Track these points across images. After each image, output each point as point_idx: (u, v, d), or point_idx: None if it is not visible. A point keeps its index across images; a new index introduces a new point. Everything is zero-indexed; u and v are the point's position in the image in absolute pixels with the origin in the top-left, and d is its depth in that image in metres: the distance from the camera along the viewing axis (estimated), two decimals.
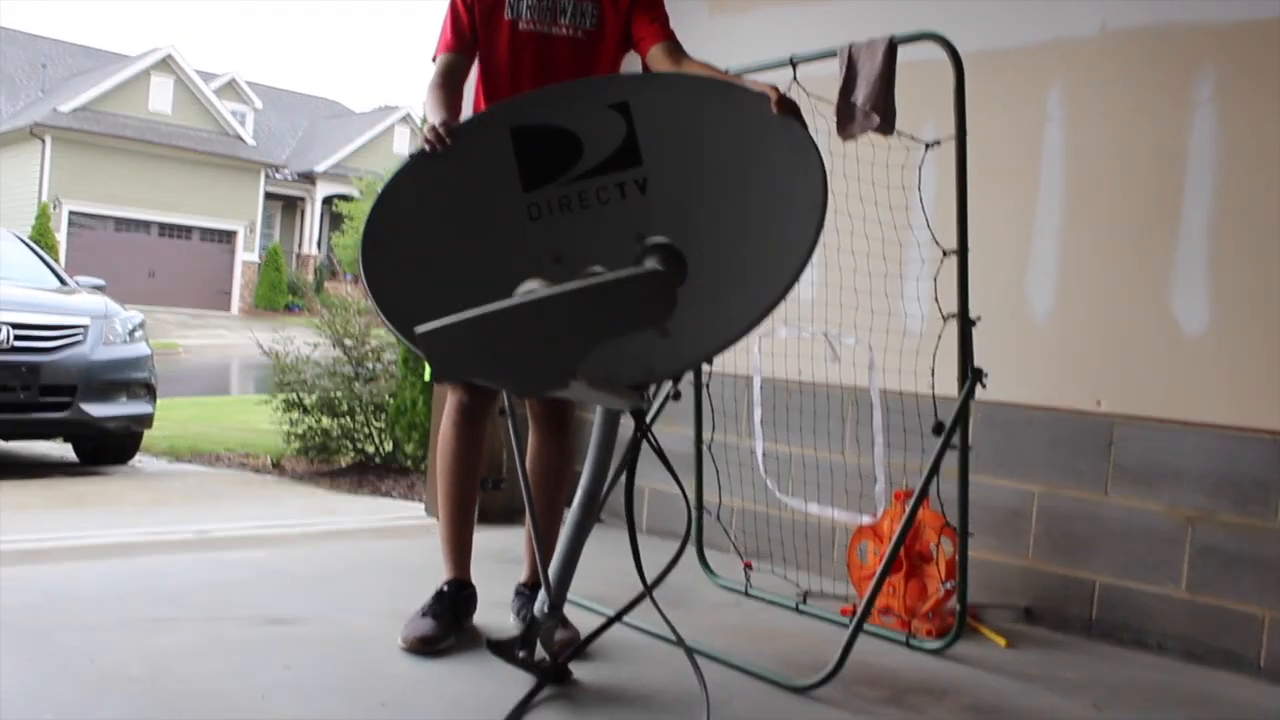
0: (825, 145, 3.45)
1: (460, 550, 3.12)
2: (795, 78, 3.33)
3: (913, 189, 3.29)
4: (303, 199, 36.53)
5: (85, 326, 7.16)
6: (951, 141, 3.07)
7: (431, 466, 4.94)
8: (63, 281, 8.16)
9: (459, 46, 3.00)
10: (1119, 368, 3.50)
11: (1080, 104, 3.62)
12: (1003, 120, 3.70)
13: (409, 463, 7.27)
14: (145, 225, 31.22)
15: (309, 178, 36.07)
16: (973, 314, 3.09)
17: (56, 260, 16.00)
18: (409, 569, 3.78)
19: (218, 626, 3.02)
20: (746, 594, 3.75)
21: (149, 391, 7.48)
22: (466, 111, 3.01)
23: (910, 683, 2.95)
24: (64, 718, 2.33)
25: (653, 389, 2.70)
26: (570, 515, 2.66)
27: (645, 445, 2.58)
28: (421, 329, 1.72)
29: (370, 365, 7.64)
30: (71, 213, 29.51)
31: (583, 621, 3.04)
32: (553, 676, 2.68)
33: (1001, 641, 3.36)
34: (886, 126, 3.18)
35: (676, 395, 3.78)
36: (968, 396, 3.07)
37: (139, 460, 7.91)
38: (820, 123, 3.34)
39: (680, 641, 2.60)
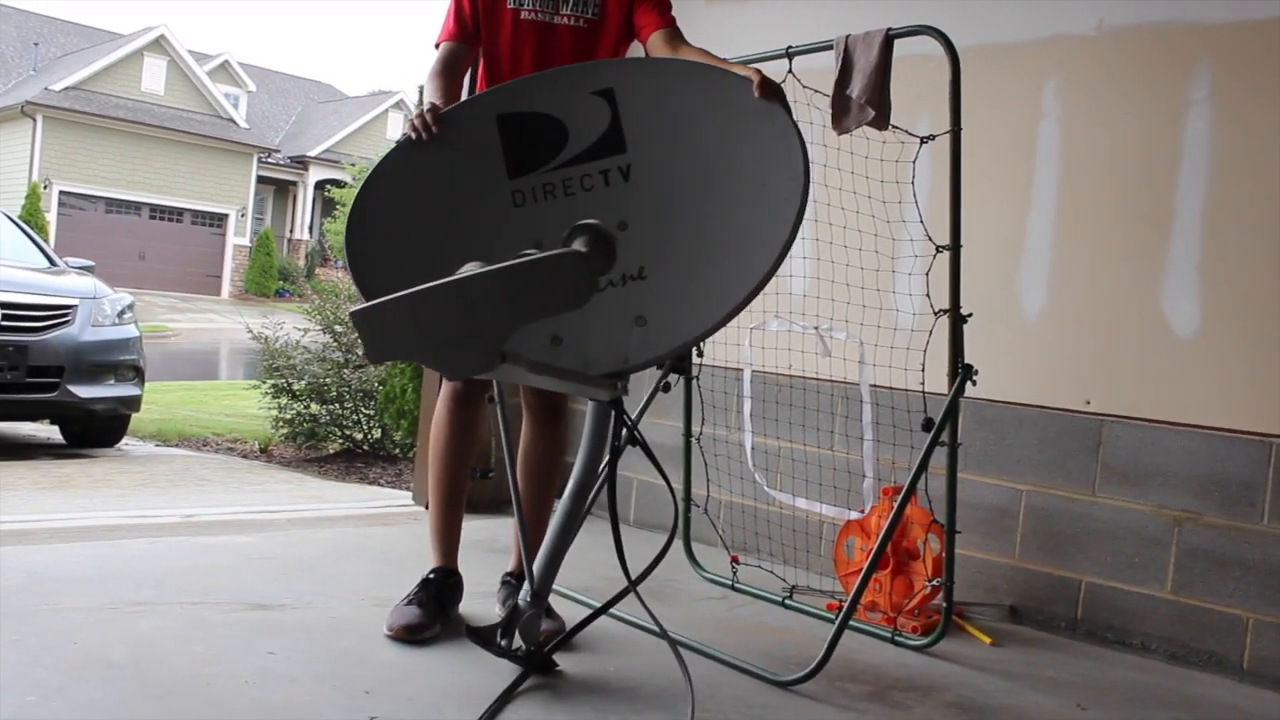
0: (820, 138, 3.46)
1: (448, 538, 3.11)
2: (791, 69, 3.33)
3: (906, 183, 3.28)
4: (295, 183, 36.41)
5: (74, 307, 7.13)
6: (946, 136, 3.06)
7: (420, 454, 4.94)
8: (52, 262, 8.13)
9: (460, 35, 3.01)
10: (1109, 367, 3.50)
11: (1075, 101, 3.62)
12: (998, 116, 3.70)
13: (397, 450, 7.27)
14: (136, 207, 31.08)
15: (302, 162, 35.94)
16: (964, 310, 3.09)
17: (46, 241, 15.90)
18: (395, 556, 3.77)
19: (202, 611, 3.00)
20: (733, 588, 3.75)
21: (137, 374, 7.46)
22: None
23: (895, 679, 2.95)
24: (46, 699, 2.32)
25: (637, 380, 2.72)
26: (560, 506, 2.66)
27: (637, 437, 2.58)
28: (354, 309, 1.73)
29: (360, 352, 7.62)
30: (62, 193, 29.36)
31: (569, 612, 3.03)
32: (537, 666, 2.67)
33: (987, 640, 3.36)
34: (881, 120, 3.17)
35: (666, 388, 3.79)
36: (957, 393, 3.07)
37: (126, 443, 7.89)
38: (815, 115, 3.34)
39: (665, 634, 2.60)
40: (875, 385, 3.66)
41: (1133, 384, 3.44)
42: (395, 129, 35.65)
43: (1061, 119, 3.63)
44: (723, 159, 2.52)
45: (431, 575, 3.06)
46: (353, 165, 31.59)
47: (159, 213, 31.57)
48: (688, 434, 3.94)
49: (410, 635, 2.87)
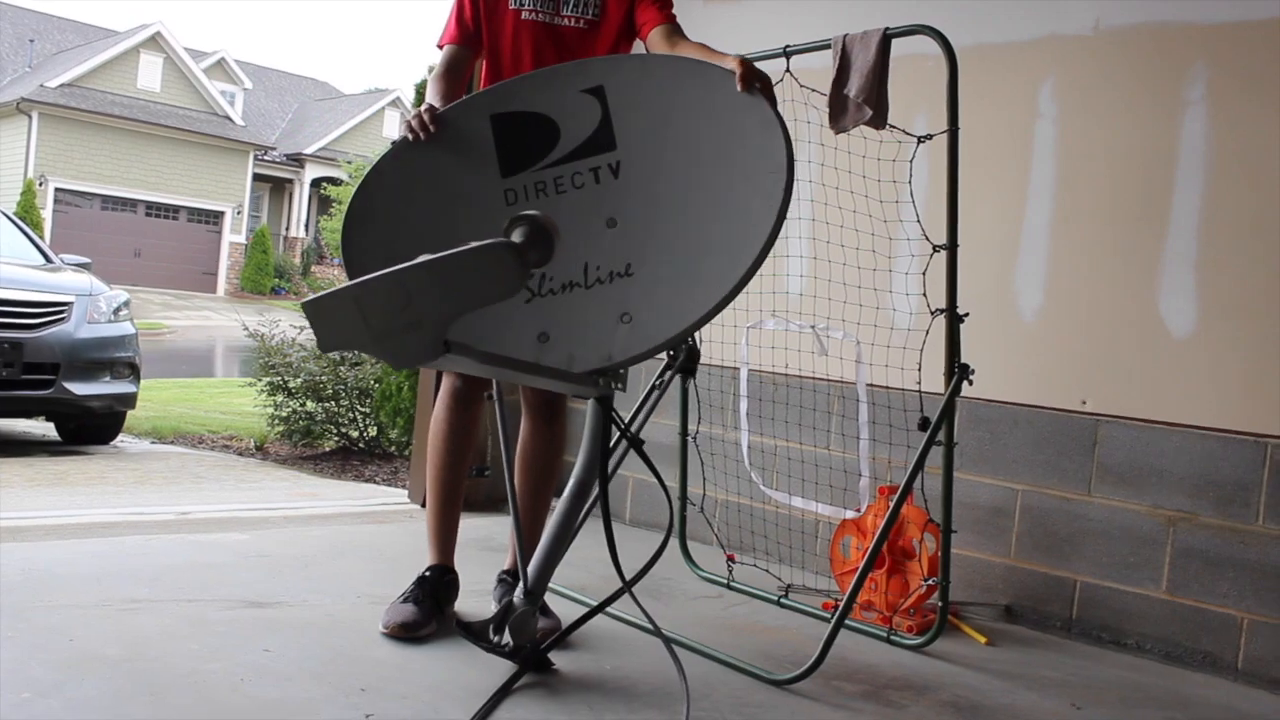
0: (817, 137, 3.47)
1: (445, 536, 3.11)
2: (789, 68, 3.33)
3: (903, 183, 3.28)
4: (291, 181, 36.36)
5: (69, 304, 7.11)
6: (943, 136, 3.07)
7: (417, 452, 4.93)
8: (48, 259, 8.11)
9: (461, 38, 3.04)
10: (1105, 367, 3.50)
11: (1072, 101, 3.62)
12: (995, 116, 3.70)
13: (393, 448, 7.26)
14: (132, 204, 31.04)
15: (298, 160, 35.90)
16: (961, 310, 3.09)
17: (42, 238, 15.84)
18: (391, 554, 3.77)
19: (197, 608, 3.00)
20: (729, 586, 3.75)
21: (133, 371, 7.44)
22: None
23: (890, 678, 2.95)
24: (41, 696, 2.31)
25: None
26: (559, 506, 2.66)
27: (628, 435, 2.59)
28: (304, 301, 1.76)
29: (355, 350, 7.60)
30: (58, 190, 29.31)
31: (565, 611, 3.03)
32: (533, 664, 2.67)
33: (982, 639, 3.37)
34: (878, 120, 3.17)
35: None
36: (954, 392, 3.07)
37: (121, 440, 7.88)
38: (812, 114, 3.34)
39: (659, 633, 2.60)
40: (872, 384, 3.67)
41: (1128, 384, 3.45)
42: (392, 127, 35.64)
43: (1058, 119, 3.63)
44: (709, 154, 2.52)
45: (428, 573, 3.06)
46: (349, 163, 31.57)
47: (155, 210, 31.51)
48: (684, 433, 3.94)
49: (406, 633, 2.87)
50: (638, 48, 3.04)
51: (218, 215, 32.76)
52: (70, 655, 2.56)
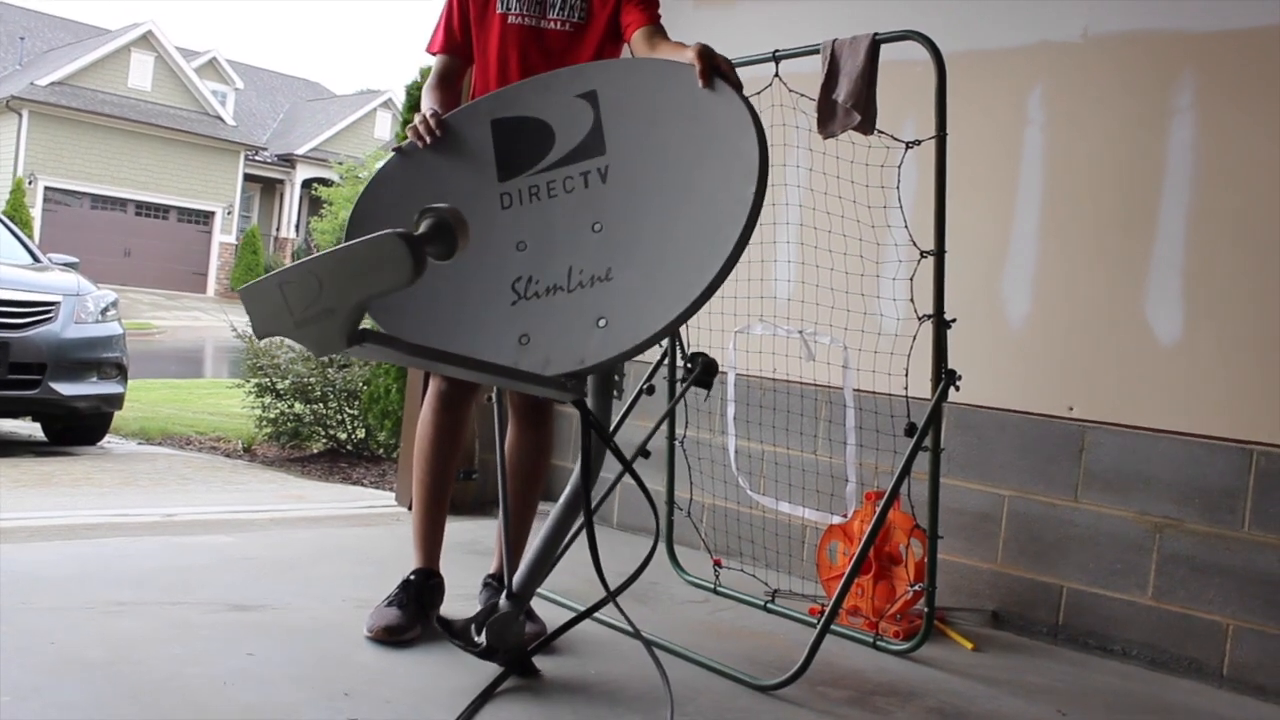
0: (805, 142, 3.47)
1: (431, 539, 3.10)
2: (778, 73, 3.33)
3: (892, 188, 3.28)
4: (282, 181, 36.29)
5: (57, 304, 7.08)
6: (931, 142, 3.06)
7: (404, 455, 4.92)
8: (35, 258, 8.07)
9: (448, 45, 3.06)
10: (1092, 374, 3.51)
11: (1061, 108, 3.63)
12: (983, 122, 3.71)
13: (381, 451, 7.24)
14: (122, 203, 30.95)
15: (289, 160, 35.83)
16: (949, 315, 3.09)
17: (31, 236, 15.75)
18: (377, 557, 3.76)
19: (181, 611, 2.99)
20: (715, 591, 3.74)
21: (120, 372, 7.41)
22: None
23: (876, 684, 2.95)
24: (21, 699, 2.29)
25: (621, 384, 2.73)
26: (553, 513, 2.66)
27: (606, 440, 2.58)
28: (241, 288, 1.83)
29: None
30: (47, 188, 29.21)
31: (550, 615, 3.02)
32: (517, 668, 2.67)
33: (968, 645, 3.37)
34: (867, 125, 3.17)
35: (650, 390, 3.79)
36: (940, 398, 3.07)
37: (108, 441, 7.85)
38: (801, 119, 3.34)
39: (643, 639, 2.59)
40: (859, 390, 3.66)
41: (1115, 390, 3.45)
42: (383, 128, 35.59)
43: (1046, 126, 3.64)
44: (690, 157, 2.51)
45: (412, 576, 3.05)
46: (340, 164, 31.52)
47: (145, 209, 31.43)
48: (671, 437, 3.94)
49: (390, 636, 2.86)
50: (627, 50, 3.04)
51: (208, 215, 32.68)
52: (51, 658, 2.54)
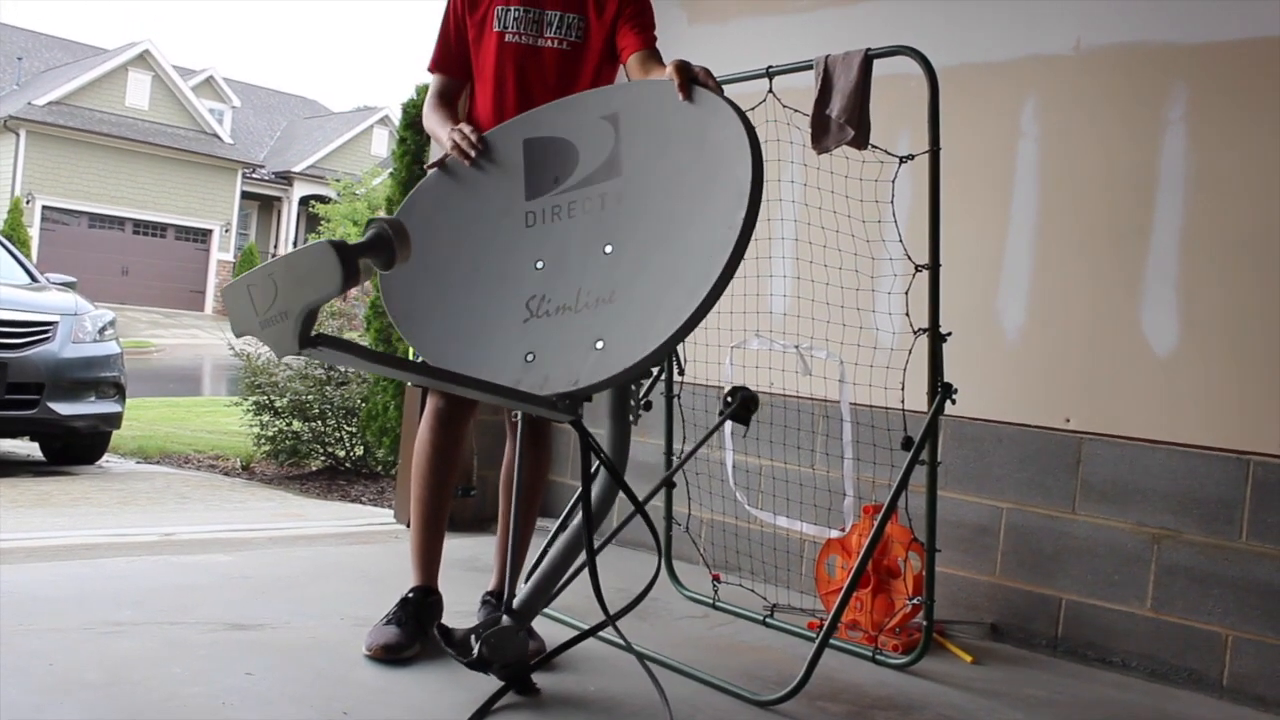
0: (800, 157, 3.48)
1: (429, 557, 3.10)
2: (772, 89, 3.35)
3: (886, 203, 3.29)
4: (279, 199, 36.34)
5: (54, 324, 7.09)
6: (925, 156, 3.08)
7: (402, 472, 4.92)
8: (33, 278, 8.08)
9: (446, 66, 3.10)
10: (1088, 385, 3.51)
11: (1054, 120, 3.64)
12: (977, 135, 3.72)
13: (379, 468, 7.24)
14: (120, 222, 30.98)
15: (286, 178, 35.89)
16: (944, 329, 3.10)
17: (29, 256, 15.75)
18: (375, 575, 3.76)
19: (179, 631, 2.98)
20: (714, 606, 3.74)
21: (118, 391, 7.42)
22: None
23: (875, 698, 2.94)
24: None
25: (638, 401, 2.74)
26: (564, 536, 2.68)
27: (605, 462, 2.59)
28: (225, 286, 1.89)
29: (342, 369, 7.60)
30: (45, 208, 29.25)
31: (550, 632, 3.02)
32: (516, 685, 2.66)
33: (967, 658, 3.37)
34: (861, 140, 3.19)
35: (647, 405, 3.79)
36: (937, 412, 3.07)
37: (107, 460, 7.84)
38: (795, 134, 3.36)
39: (640, 658, 2.58)
40: (855, 403, 3.67)
41: (1112, 402, 3.46)
42: (380, 144, 35.65)
43: (1040, 138, 3.65)
44: (694, 180, 2.52)
45: (411, 594, 3.04)
46: (337, 181, 31.54)
47: (142, 228, 31.46)
48: (669, 452, 3.94)
49: (388, 655, 2.86)
50: (623, 73, 3.06)
51: (205, 233, 32.72)
52: (50, 679, 2.54)
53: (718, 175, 2.42)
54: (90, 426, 7.30)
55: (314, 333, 1.87)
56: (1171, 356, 3.35)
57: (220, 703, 2.48)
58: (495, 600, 3.14)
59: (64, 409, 6.97)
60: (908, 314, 3.12)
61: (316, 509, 5.90)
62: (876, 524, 3.09)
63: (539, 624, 3.04)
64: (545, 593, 2.70)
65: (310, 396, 7.42)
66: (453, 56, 3.08)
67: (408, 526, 3.44)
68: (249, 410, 7.73)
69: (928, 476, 3.10)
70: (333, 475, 7.35)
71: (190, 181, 31.99)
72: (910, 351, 3.13)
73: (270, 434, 7.64)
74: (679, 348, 3.75)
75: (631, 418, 2.70)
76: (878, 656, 3.24)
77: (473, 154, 2.81)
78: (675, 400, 3.90)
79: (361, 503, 6.47)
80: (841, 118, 3.18)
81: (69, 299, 7.62)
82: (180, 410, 11.99)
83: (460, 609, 3.19)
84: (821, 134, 3.25)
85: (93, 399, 7.19)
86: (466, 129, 2.83)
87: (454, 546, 4.08)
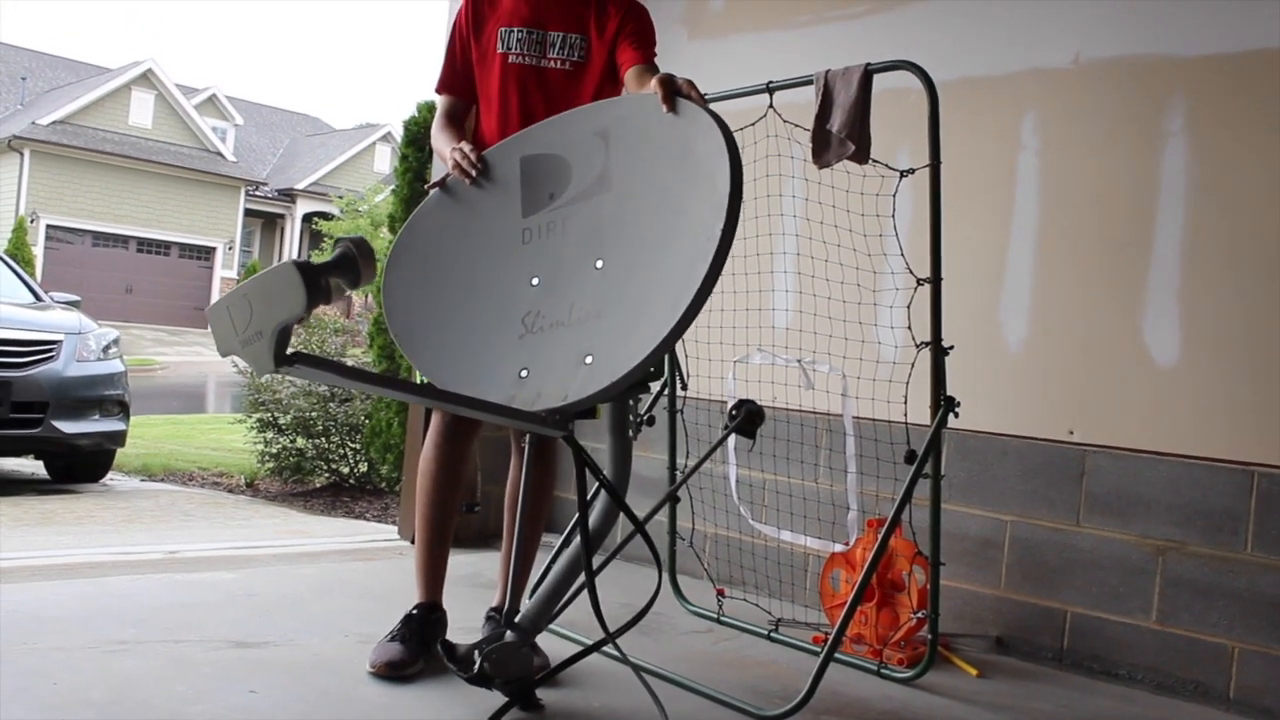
0: (800, 172, 3.49)
1: (433, 573, 3.10)
2: (772, 104, 3.35)
3: (888, 217, 3.29)
4: (283, 216, 36.44)
5: (59, 343, 7.11)
6: (926, 170, 3.08)
7: (406, 488, 4.92)
8: (37, 297, 8.11)
9: (451, 85, 3.11)
10: (1091, 397, 3.51)
11: (1054, 133, 3.65)
12: (977, 149, 3.73)
13: (383, 484, 7.24)
14: (124, 240, 31.08)
15: (289, 195, 36.00)
16: (946, 342, 3.10)
17: (33, 274, 15.79)
18: (379, 592, 3.75)
19: (183, 649, 2.98)
20: (719, 621, 3.73)
21: (122, 409, 7.43)
22: None
23: (880, 713, 2.94)
24: None
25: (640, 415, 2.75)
26: (569, 552, 2.68)
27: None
28: (209, 307, 1.95)
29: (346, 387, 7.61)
30: (49, 226, 29.35)
31: (554, 648, 3.01)
32: (520, 702, 2.66)
33: (973, 671, 3.36)
34: (861, 155, 3.19)
35: (650, 420, 3.79)
36: (940, 425, 3.07)
37: (111, 478, 7.85)
38: (795, 149, 3.36)
39: (641, 676, 2.56)
40: (858, 417, 3.67)
41: (1115, 414, 3.46)
42: (383, 161, 35.74)
43: (1040, 151, 3.66)
44: (676, 190, 2.51)
45: (415, 611, 3.04)
46: (340, 198, 31.64)
47: (146, 246, 31.56)
48: (672, 467, 3.94)
49: (392, 672, 2.86)
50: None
51: (209, 251, 32.80)
52: (54, 699, 2.54)
53: (699, 186, 2.41)
54: (94, 444, 7.31)
55: (291, 350, 1.90)
56: (1174, 368, 3.35)
57: None
58: (499, 616, 3.14)
59: (68, 427, 6.99)
60: (909, 327, 3.12)
61: (321, 526, 5.90)
62: (880, 538, 3.08)
63: (543, 639, 3.03)
64: (548, 610, 2.70)
65: (314, 413, 7.42)
66: (458, 77, 3.10)
67: (412, 543, 3.44)
68: (253, 427, 7.74)
69: (931, 490, 3.10)
70: (337, 492, 7.35)
71: (194, 199, 32.09)
72: (913, 365, 3.14)
73: (274, 451, 7.64)
74: (682, 362, 3.77)
75: (631, 433, 2.70)
76: (883, 670, 3.24)
77: (473, 173, 2.82)
78: (679, 415, 3.90)
79: (366, 519, 6.46)
80: (842, 133, 3.18)
81: (73, 318, 7.64)
82: (184, 428, 12.00)
83: (464, 625, 3.19)
84: (822, 149, 3.26)
85: (97, 417, 7.20)
86: (466, 148, 2.85)
87: (457, 563, 4.07)
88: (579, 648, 2.81)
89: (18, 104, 32.70)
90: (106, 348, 7.54)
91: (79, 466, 7.56)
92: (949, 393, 3.11)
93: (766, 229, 3.72)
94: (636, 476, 2.94)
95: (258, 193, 34.85)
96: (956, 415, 3.10)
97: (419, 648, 2.93)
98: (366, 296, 26.58)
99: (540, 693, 2.74)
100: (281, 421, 7.59)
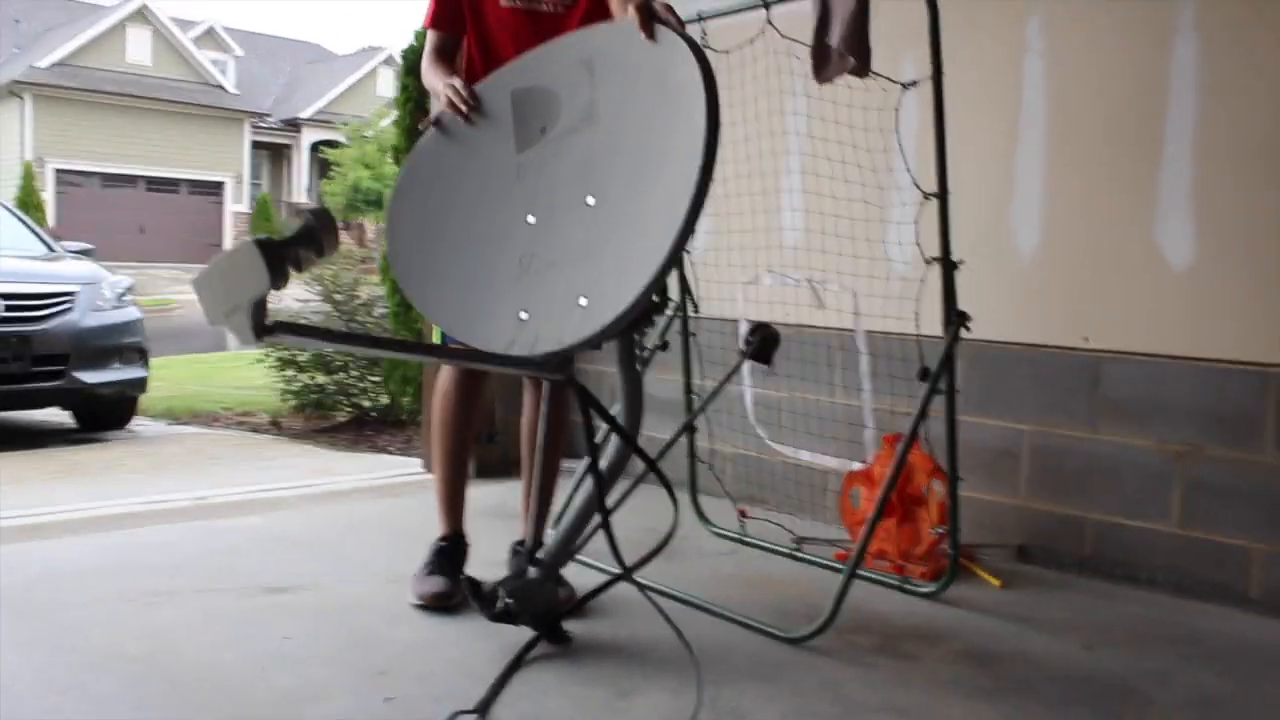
0: (801, 89, 3.43)
1: (454, 504, 3.17)
2: (769, 19, 3.28)
3: (893, 131, 3.23)
4: (289, 146, 36.25)
5: (74, 294, 7.14)
6: (929, 81, 3.02)
7: (426, 422, 4.95)
8: (50, 248, 8.12)
9: (443, 23, 3.04)
10: (1105, 303, 3.48)
11: (1060, 34, 3.56)
12: (982, 54, 3.65)
13: (404, 416, 7.28)
14: (132, 180, 31.04)
15: (294, 125, 35.75)
16: (957, 256, 3.07)
17: (44, 219, 15.77)
18: (405, 528, 3.79)
19: (216, 598, 3.04)
20: (742, 541, 3.77)
21: (141, 356, 7.48)
22: None
23: (903, 629, 2.97)
24: (67, 696, 2.36)
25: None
26: (585, 486, 2.70)
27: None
28: (193, 279, 1.98)
29: (361, 320, 7.63)
30: (58, 170, 29.30)
31: (581, 579, 3.03)
32: (548, 634, 2.70)
33: (996, 582, 3.38)
34: (862, 68, 3.12)
35: (664, 345, 3.80)
36: (952, 341, 3.06)
37: (137, 423, 7.92)
38: (796, 65, 3.30)
39: (660, 609, 2.56)
40: (871, 331, 3.65)
41: (1129, 319, 3.43)
42: (386, 85, 35.35)
43: (1046, 53, 3.57)
44: (661, 122, 2.45)
45: (444, 543, 3.10)
46: (345, 125, 31.39)
47: (155, 184, 31.53)
48: (688, 390, 3.94)
49: (440, 602, 2.95)
50: None
51: (218, 186, 32.75)
52: (91, 653, 2.60)
53: (678, 120, 2.36)
54: (116, 393, 7.37)
55: (270, 321, 1.93)
56: (1189, 270, 3.31)
57: (259, 668, 2.54)
58: (524, 550, 3.18)
59: (89, 377, 7.04)
60: (918, 244, 3.09)
61: (346, 463, 5.95)
62: (898, 455, 3.09)
63: (569, 569, 3.06)
64: (569, 545, 2.73)
65: (330, 348, 7.44)
66: (450, 12, 3.04)
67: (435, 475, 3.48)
68: (273, 365, 7.77)
69: (946, 407, 3.09)
70: (360, 426, 7.40)
71: (198, 135, 31.95)
72: (923, 281, 3.11)
73: (295, 389, 7.69)
74: (692, 284, 3.76)
75: (639, 366, 2.70)
76: (905, 585, 3.27)
77: (465, 109, 2.78)
78: (692, 338, 3.90)
79: (390, 452, 6.51)
80: (842, 46, 3.11)
81: (86, 267, 7.66)
82: (206, 367, 12.08)
83: (489, 558, 3.22)
84: (822, 64, 3.19)
85: (117, 365, 7.25)
86: (458, 83, 2.80)
87: (480, 494, 4.12)
88: (606, 577, 2.84)
89: (14, 47, 32.40)
90: (122, 295, 7.56)
91: (104, 415, 7.63)
92: (961, 306, 3.08)
93: (770, 148, 3.67)
94: (653, 399, 2.94)
95: (263, 124, 34.62)
96: (969, 330, 3.08)
97: (455, 578, 3.00)
98: (379, 223, 26.51)
99: (568, 624, 2.78)
100: (301, 359, 7.62)
